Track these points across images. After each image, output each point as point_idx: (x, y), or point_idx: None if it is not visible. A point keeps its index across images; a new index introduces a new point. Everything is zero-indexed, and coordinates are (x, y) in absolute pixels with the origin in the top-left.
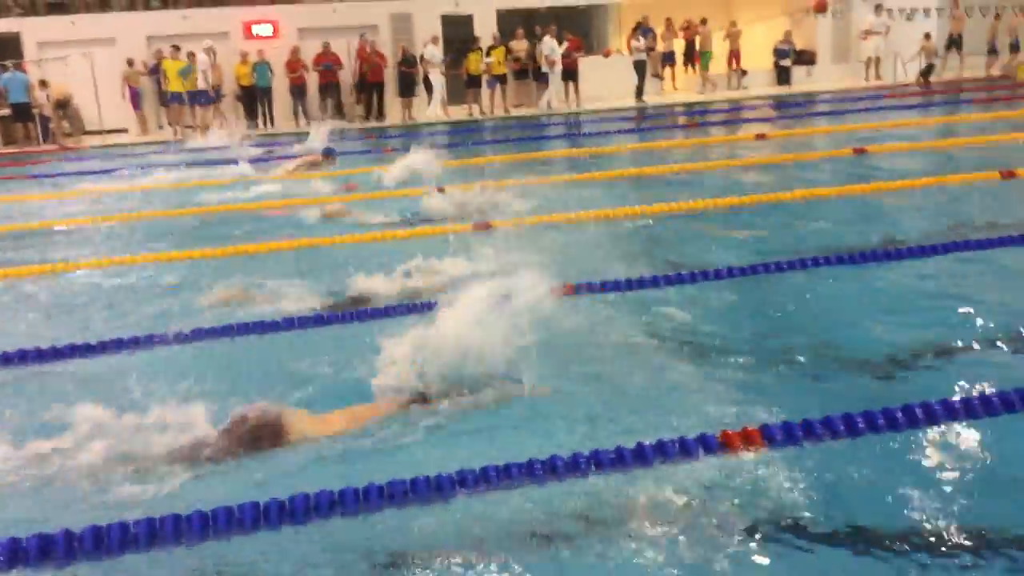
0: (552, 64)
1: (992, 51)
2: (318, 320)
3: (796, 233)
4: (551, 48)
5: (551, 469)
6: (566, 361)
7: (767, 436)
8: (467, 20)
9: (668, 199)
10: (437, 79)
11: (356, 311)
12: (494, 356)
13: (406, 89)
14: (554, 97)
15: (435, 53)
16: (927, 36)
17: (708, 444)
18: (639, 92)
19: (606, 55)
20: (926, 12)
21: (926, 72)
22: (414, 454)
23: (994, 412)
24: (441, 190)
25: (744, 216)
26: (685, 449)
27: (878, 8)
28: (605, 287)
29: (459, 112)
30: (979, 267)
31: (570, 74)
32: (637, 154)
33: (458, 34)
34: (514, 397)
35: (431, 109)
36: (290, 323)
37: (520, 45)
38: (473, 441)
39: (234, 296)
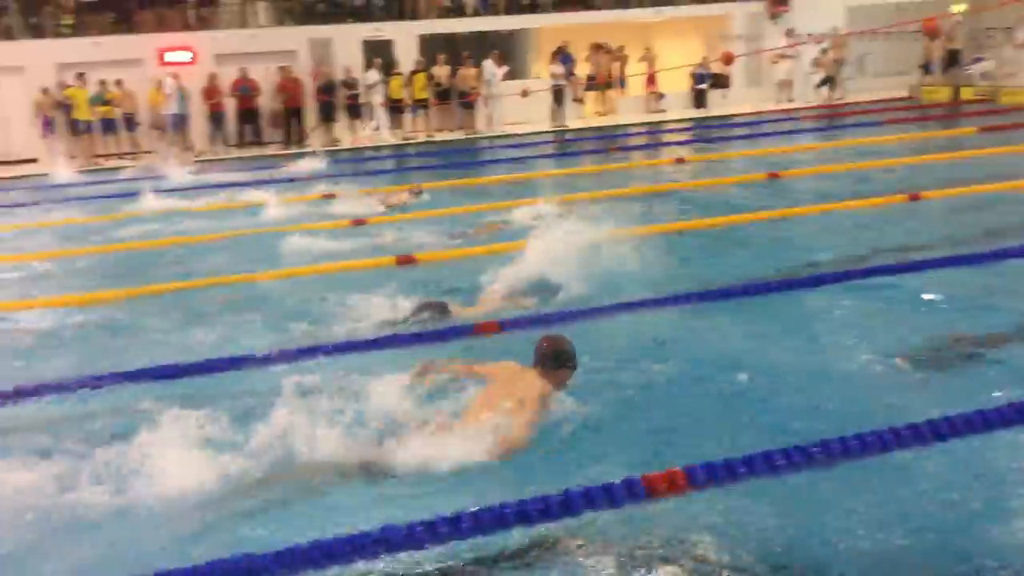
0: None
1: (926, 71)
2: None
3: (717, 261)
4: (492, 73)
5: (475, 521)
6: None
7: (691, 478)
8: (388, 45)
9: (591, 227)
10: (377, 103)
11: None
12: None
13: (326, 114)
14: (479, 120)
15: (374, 77)
16: (823, 51)
17: (632, 488)
18: (555, 116)
19: (524, 95)
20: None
21: (827, 83)
22: None
23: (906, 445)
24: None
25: (667, 243)
26: (610, 495)
27: (789, 32)
28: (533, 322)
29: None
30: (893, 292)
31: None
32: (560, 180)
33: (379, 59)
34: None
35: (381, 132)
36: None
37: (442, 70)
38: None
39: None
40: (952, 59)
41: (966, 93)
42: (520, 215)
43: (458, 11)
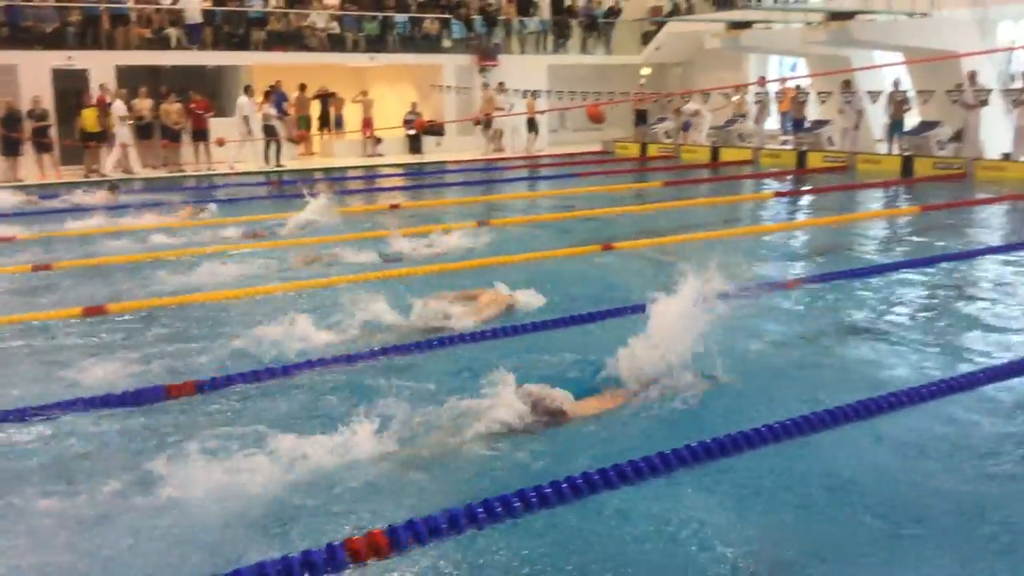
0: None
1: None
2: None
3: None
4: (249, 109)
5: None
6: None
7: (392, 538)
8: (82, 75)
9: (300, 277)
10: (124, 132)
11: None
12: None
13: (9, 148)
14: (185, 157)
15: (120, 107)
16: (535, 96)
17: (334, 554)
18: (268, 157)
19: (219, 144)
20: (535, 93)
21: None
22: None
23: (591, 490)
24: None
25: (375, 290)
26: (309, 564)
27: (500, 85)
28: (231, 380)
29: (75, 173)
30: (592, 338)
31: (200, 134)
32: (271, 225)
33: (72, 89)
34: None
35: (110, 163)
36: None
37: (143, 103)
38: None
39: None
40: (640, 118)
41: (652, 150)
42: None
43: (162, 43)
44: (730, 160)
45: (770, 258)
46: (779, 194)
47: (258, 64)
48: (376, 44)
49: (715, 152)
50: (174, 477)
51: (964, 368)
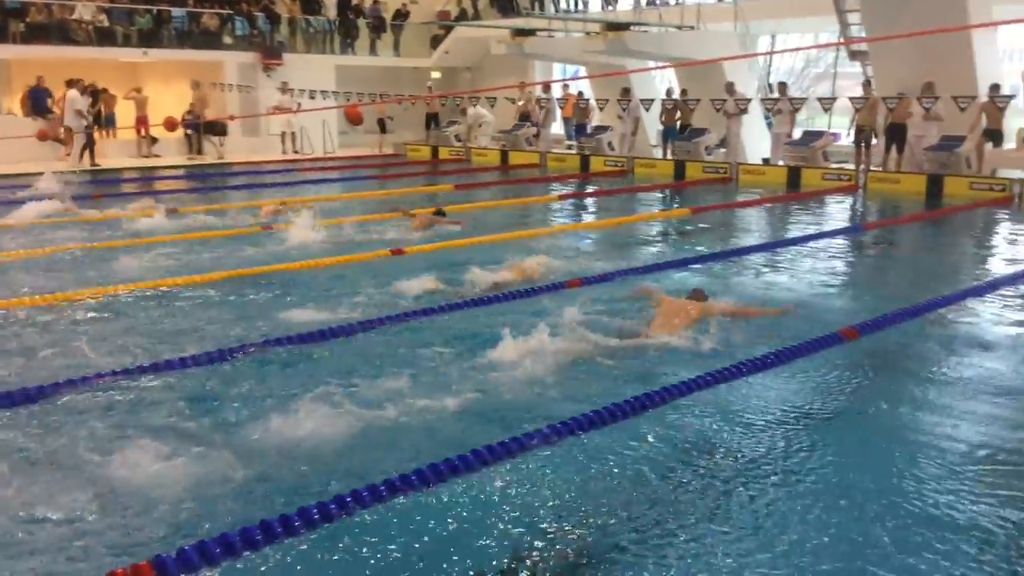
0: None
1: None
2: None
3: (210, 317)
4: (81, 104)
5: None
6: None
7: (159, 570)
8: None
9: (46, 289)
10: None
11: None
12: None
13: None
14: None
15: None
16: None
17: None
18: (82, 155)
19: None
20: (324, 93)
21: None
22: None
23: (373, 502)
24: None
25: (161, 300)
26: None
27: (284, 85)
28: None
29: None
30: (382, 345)
31: None
32: (23, 232)
33: None
34: None
35: None
36: None
37: None
38: None
39: None
40: (430, 121)
41: (444, 152)
42: None
43: None
44: (519, 163)
45: (552, 258)
46: (563, 196)
47: (17, 58)
48: (149, 39)
49: (504, 155)
50: None
51: (732, 359)
